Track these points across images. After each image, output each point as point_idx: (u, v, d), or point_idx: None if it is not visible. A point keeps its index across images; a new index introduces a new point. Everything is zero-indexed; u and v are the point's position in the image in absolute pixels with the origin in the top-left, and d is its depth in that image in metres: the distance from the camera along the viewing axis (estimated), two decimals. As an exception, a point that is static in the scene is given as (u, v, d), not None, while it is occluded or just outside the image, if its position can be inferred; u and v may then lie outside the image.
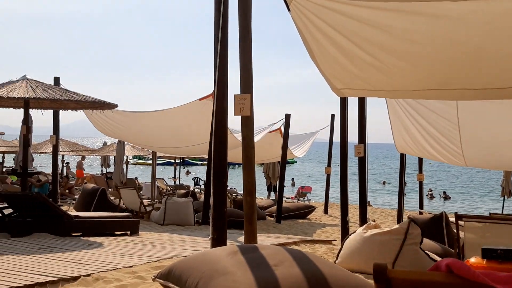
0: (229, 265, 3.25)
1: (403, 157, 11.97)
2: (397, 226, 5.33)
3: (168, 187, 20.63)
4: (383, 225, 14.20)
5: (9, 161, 31.96)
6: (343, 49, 5.03)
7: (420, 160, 13.18)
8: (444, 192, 32.62)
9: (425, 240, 5.69)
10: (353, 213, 15.50)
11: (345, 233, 8.03)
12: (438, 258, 5.39)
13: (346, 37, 4.84)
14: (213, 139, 4.91)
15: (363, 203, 8.71)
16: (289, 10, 4.89)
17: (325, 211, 17.29)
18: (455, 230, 7.01)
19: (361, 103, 8.37)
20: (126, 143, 17.31)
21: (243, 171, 5.14)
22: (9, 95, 7.24)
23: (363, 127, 8.57)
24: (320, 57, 5.43)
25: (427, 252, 5.36)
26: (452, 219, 7.04)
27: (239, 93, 5.06)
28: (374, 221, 11.97)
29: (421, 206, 14.03)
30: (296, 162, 65.73)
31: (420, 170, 13.56)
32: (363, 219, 8.45)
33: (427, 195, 29.33)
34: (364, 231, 5.43)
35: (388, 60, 4.95)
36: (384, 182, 40.18)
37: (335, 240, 9.86)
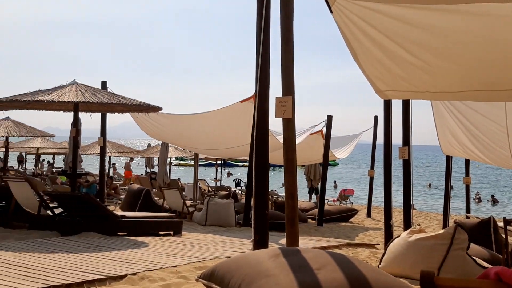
0: (271, 268, 3.27)
1: (449, 159, 11.64)
2: (443, 230, 5.20)
3: (209, 188, 20.88)
4: (428, 230, 13.84)
5: (59, 162, 33.26)
6: (387, 51, 4.96)
7: (467, 162, 12.78)
8: (492, 196, 31.43)
9: (472, 245, 5.51)
10: (397, 217, 15.22)
11: (388, 237, 7.89)
12: (485, 264, 5.22)
13: (390, 38, 4.77)
14: (254, 142, 4.95)
15: (408, 207, 8.52)
16: (331, 11, 4.86)
17: (368, 215, 17.03)
18: (503, 236, 6.77)
19: (406, 105, 8.21)
20: (169, 144, 17.65)
21: (284, 174, 5.14)
22: (60, 99, 7.55)
23: (408, 130, 8.39)
24: (363, 59, 5.37)
25: (474, 257, 5.19)
26: (501, 224, 6.79)
27: (280, 95, 5.07)
28: (419, 225, 11.70)
29: (468, 210, 13.60)
30: (338, 164, 65.05)
31: (467, 173, 13.15)
32: (407, 223, 8.28)
33: (474, 199, 28.36)
34: (409, 235, 5.32)
35: (434, 61, 4.84)
36: (429, 185, 39.14)
37: (378, 244, 9.70)
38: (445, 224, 11.86)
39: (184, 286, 4.24)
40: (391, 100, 8.39)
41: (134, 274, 4.53)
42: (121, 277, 4.42)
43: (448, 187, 12.01)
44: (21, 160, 33.17)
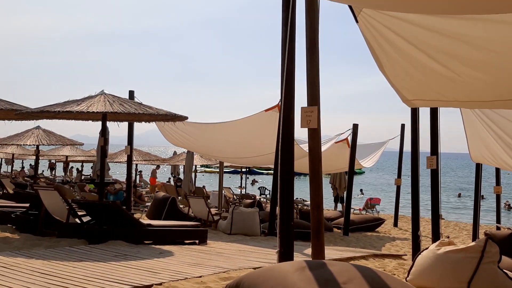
0: (297, 281, 3.24)
1: (478, 167, 11.37)
2: (473, 243, 5.05)
3: (234, 196, 20.92)
4: (457, 240, 13.53)
5: (87, 170, 33.86)
6: (414, 60, 4.90)
7: (498, 171, 12.46)
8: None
9: (504, 258, 5.34)
10: (425, 227, 14.91)
11: (416, 248, 7.74)
12: (518, 279, 5.04)
13: (417, 47, 4.71)
14: (279, 152, 4.93)
15: (436, 217, 8.34)
16: (357, 21, 4.83)
17: (395, 224, 16.75)
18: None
19: (433, 113, 8.06)
20: (194, 153, 17.77)
21: (310, 184, 5.11)
22: (88, 110, 7.70)
23: (436, 138, 8.24)
24: (390, 69, 5.31)
25: (505, 271, 5.03)
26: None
27: (304, 104, 5.05)
28: (448, 237, 11.46)
29: (498, 221, 13.25)
30: (363, 172, 64.31)
31: (498, 182, 12.82)
32: (436, 234, 8.10)
33: (504, 207, 27.56)
34: (438, 247, 5.19)
35: (463, 70, 4.75)
36: (459, 195, 38.13)
37: (406, 255, 9.52)
38: (474, 234, 11.57)
39: (209, 297, 4.24)
40: (418, 108, 8.27)
41: (160, 284, 4.55)
42: (147, 287, 4.45)
43: (478, 196, 11.72)
44: (52, 167, 33.95)
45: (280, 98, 5.43)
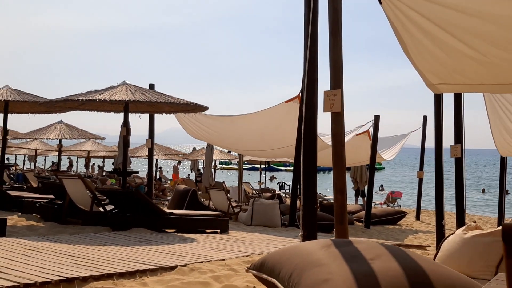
0: (323, 257, 3.21)
1: (503, 161, 11.15)
2: (501, 227, 4.96)
3: (254, 191, 20.94)
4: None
5: (109, 166, 34.28)
6: (439, 41, 4.81)
7: (524, 163, 12.21)
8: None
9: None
10: (448, 220, 14.67)
11: (440, 237, 7.62)
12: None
13: (442, 28, 4.62)
14: (303, 131, 4.90)
15: (460, 207, 8.21)
16: (380, 3, 4.77)
17: (417, 217, 16.55)
18: None
19: (457, 100, 7.92)
20: (214, 147, 17.83)
21: (333, 169, 5.06)
22: (111, 98, 7.77)
23: (460, 127, 8.10)
24: (414, 51, 5.23)
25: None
26: None
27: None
28: (475, 222, 11.27)
29: (525, 214, 12.99)
30: (384, 168, 63.74)
31: (524, 174, 12.56)
32: (460, 222, 7.97)
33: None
34: (464, 232, 5.10)
35: (490, 50, 4.64)
36: (483, 190, 37.38)
37: (429, 246, 9.40)
38: (500, 223, 11.37)
39: (234, 278, 4.24)
40: (442, 96, 8.13)
41: (184, 265, 4.57)
42: (172, 268, 4.47)
43: (503, 190, 11.50)
44: (71, 164, 34.45)
45: (302, 83, 5.41)
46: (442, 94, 7.80)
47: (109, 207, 8.01)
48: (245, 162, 24.62)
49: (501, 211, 11.94)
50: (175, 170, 25.20)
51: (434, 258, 5.52)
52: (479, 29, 4.45)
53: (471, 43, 4.66)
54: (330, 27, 5.07)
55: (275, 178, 43.13)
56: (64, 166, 31.08)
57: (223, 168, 52.12)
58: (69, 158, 33.87)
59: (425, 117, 15.79)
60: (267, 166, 30.60)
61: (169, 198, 15.62)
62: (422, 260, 3.19)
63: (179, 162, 26.39)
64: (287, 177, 35.50)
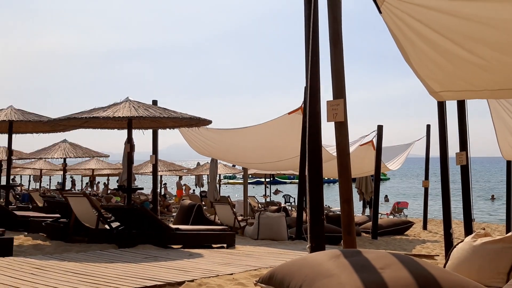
0: (333, 268, 3.17)
1: (509, 164, 11.08)
2: (511, 233, 4.90)
3: (259, 205, 20.86)
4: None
5: (113, 184, 34.28)
6: (441, 49, 4.81)
7: (530, 169, 12.11)
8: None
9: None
10: (455, 229, 14.52)
11: (449, 246, 7.55)
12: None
13: (443, 35, 4.62)
14: (307, 142, 4.89)
15: (468, 215, 8.15)
16: (380, 12, 4.78)
17: (424, 227, 16.40)
18: None
19: (461, 106, 7.89)
20: (218, 161, 17.82)
21: (339, 178, 5.04)
22: (115, 115, 7.80)
23: (464, 134, 8.06)
24: (415, 59, 5.23)
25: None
26: None
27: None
28: (484, 229, 11.16)
29: (533, 220, 12.84)
30: (389, 178, 63.45)
31: (530, 180, 12.45)
32: (468, 231, 7.89)
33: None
34: (474, 239, 5.04)
35: (493, 56, 4.64)
36: (493, 197, 36.71)
37: (438, 255, 9.31)
38: (508, 228, 11.27)
39: (242, 292, 4.20)
40: (445, 103, 8.11)
41: (192, 281, 4.54)
42: (179, 283, 4.44)
43: (510, 195, 11.40)
44: (73, 183, 34.46)
45: (304, 94, 5.41)
46: (445, 102, 7.79)
47: (115, 224, 7.98)
48: (250, 176, 24.59)
49: (509, 217, 11.83)
50: (179, 186, 25.15)
51: (444, 267, 5.46)
52: (480, 34, 4.45)
53: (473, 48, 4.65)
54: (331, 37, 5.09)
55: (281, 191, 42.99)
56: (68, 185, 31.17)
57: (228, 183, 52.01)
58: (71, 177, 33.92)
59: (428, 126, 15.76)
60: (271, 179, 30.54)
61: (174, 214, 15.57)
62: (433, 268, 3.15)
63: (181, 178, 26.36)
64: (292, 190, 35.37)
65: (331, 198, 27.49)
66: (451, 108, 8.43)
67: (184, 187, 26.09)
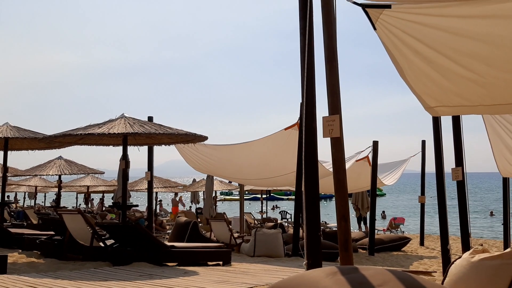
0: (330, 285, 3.12)
1: (505, 181, 11.09)
2: (509, 249, 4.87)
3: (255, 221, 20.74)
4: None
5: (108, 201, 34.06)
6: (436, 64, 4.83)
7: (526, 184, 12.13)
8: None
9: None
10: (452, 245, 14.46)
11: (447, 262, 7.50)
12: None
13: (437, 51, 4.66)
14: (303, 158, 4.87)
15: (465, 231, 8.11)
16: (374, 28, 4.81)
17: (421, 243, 16.33)
18: None
19: (456, 122, 7.92)
20: (214, 178, 17.75)
21: (335, 194, 5.01)
22: (110, 132, 7.78)
23: (460, 149, 8.07)
24: (411, 75, 5.25)
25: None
26: None
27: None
28: (482, 245, 11.13)
29: (530, 236, 12.82)
30: (385, 194, 63.39)
31: (526, 195, 12.46)
32: (466, 247, 7.85)
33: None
34: (472, 256, 5.00)
35: (487, 71, 4.67)
36: (491, 213, 36.50)
37: (436, 272, 9.25)
38: (506, 244, 11.24)
39: (238, 310, 4.13)
40: (440, 119, 8.14)
41: (187, 299, 4.47)
42: (174, 302, 4.37)
43: (507, 212, 11.40)
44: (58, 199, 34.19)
45: (300, 109, 5.42)
46: (440, 117, 7.81)
47: (109, 242, 7.89)
48: (246, 192, 24.48)
49: (507, 233, 11.80)
50: (174, 202, 25.01)
51: (442, 284, 5.40)
52: (474, 50, 4.48)
53: (468, 64, 4.68)
54: (326, 54, 5.11)
55: (278, 207, 42.83)
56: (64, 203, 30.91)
57: (224, 199, 51.80)
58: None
59: (423, 142, 15.81)
60: (268, 195, 30.43)
61: (169, 231, 15.45)
62: (431, 285, 3.10)
63: (176, 194, 26.24)
64: (289, 206, 35.25)
65: (328, 214, 27.41)
66: (447, 124, 8.47)
67: (179, 199, 25.96)
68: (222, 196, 49.11)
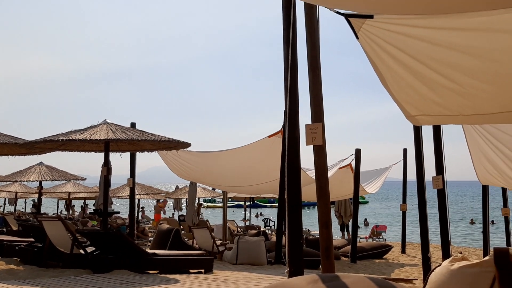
0: (311, 293, 3.13)
1: (485, 189, 11.27)
2: (488, 257, 4.94)
3: (239, 229, 20.68)
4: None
5: (90, 207, 33.61)
6: (417, 74, 4.90)
7: (504, 192, 12.35)
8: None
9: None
10: (433, 253, 14.63)
11: (427, 270, 7.57)
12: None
13: (419, 61, 4.72)
14: (286, 165, 4.89)
15: (445, 238, 8.21)
16: (357, 37, 4.87)
17: (403, 251, 16.46)
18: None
19: (436, 131, 8.04)
20: (197, 184, 17.67)
21: (317, 201, 5.03)
22: (91, 138, 7.70)
23: (440, 158, 8.20)
24: (393, 84, 5.31)
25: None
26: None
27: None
28: (461, 253, 11.25)
29: (508, 243, 13.02)
30: (367, 202, 63.81)
31: (505, 203, 12.68)
32: (446, 255, 7.94)
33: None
34: (451, 263, 5.06)
35: (467, 81, 4.74)
36: (472, 221, 36.86)
37: (416, 279, 9.32)
38: (485, 253, 11.39)
39: (220, 319, 4.11)
40: (421, 128, 8.25)
41: (168, 307, 4.42)
42: (155, 310, 4.32)
43: (486, 219, 11.58)
44: (35, 205, 33.76)
45: (283, 117, 5.44)
46: (421, 126, 7.92)
47: (90, 249, 7.79)
48: (230, 199, 24.42)
49: (486, 241, 11.98)
50: (157, 209, 24.81)
51: (423, 291, 5.46)
52: (455, 61, 4.56)
53: (448, 74, 4.75)
54: (309, 62, 5.15)
55: (262, 214, 42.77)
56: (43, 209, 30.43)
57: (207, 207, 51.56)
58: (33, 201, 33.17)
59: (405, 150, 15.97)
60: (251, 202, 30.40)
61: (151, 238, 15.31)
62: (411, 293, 3.14)
63: (158, 201, 26.06)
64: (273, 213, 35.23)
65: (310, 222, 27.45)
66: (427, 133, 8.60)
67: (162, 202, 25.76)
68: (206, 203, 48.88)
